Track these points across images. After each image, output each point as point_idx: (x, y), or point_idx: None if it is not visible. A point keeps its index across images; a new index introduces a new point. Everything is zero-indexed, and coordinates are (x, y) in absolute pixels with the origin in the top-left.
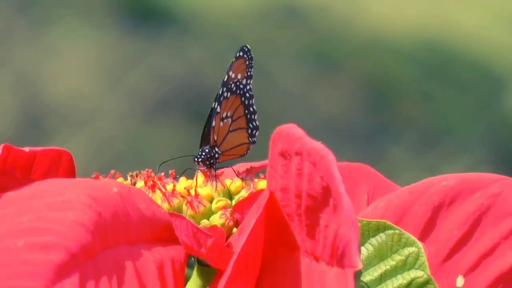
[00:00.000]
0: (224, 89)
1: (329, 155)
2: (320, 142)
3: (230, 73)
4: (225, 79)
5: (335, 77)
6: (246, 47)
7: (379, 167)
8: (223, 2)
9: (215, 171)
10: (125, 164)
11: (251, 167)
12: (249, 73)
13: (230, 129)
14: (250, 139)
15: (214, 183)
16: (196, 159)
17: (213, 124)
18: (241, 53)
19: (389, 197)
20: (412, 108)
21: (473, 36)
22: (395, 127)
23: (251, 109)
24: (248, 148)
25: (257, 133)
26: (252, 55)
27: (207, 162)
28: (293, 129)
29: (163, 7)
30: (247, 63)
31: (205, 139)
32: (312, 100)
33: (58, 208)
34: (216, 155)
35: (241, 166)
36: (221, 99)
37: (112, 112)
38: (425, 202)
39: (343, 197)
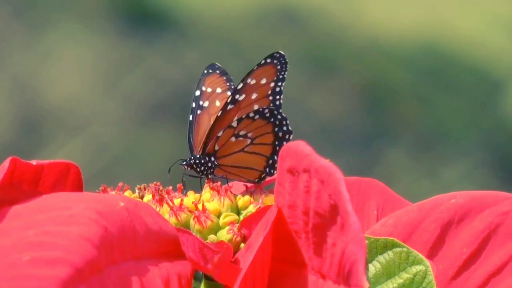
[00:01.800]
0: (236, 95)
1: (338, 173)
2: (328, 160)
3: (249, 80)
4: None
5: (333, 81)
6: (278, 53)
7: (377, 171)
8: (220, 6)
9: (209, 178)
10: (122, 168)
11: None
12: (281, 76)
13: (245, 149)
14: (266, 169)
15: (222, 198)
16: (182, 163)
17: (220, 134)
18: (268, 60)
19: (398, 214)
20: (409, 112)
21: (470, 41)
22: (392, 131)
23: (284, 143)
24: (261, 178)
25: None
26: (287, 60)
27: (197, 168)
28: (301, 146)
29: (160, 11)
30: (278, 67)
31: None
32: (310, 104)
33: (64, 222)
34: (209, 164)
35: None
36: (244, 116)
37: (109, 116)
38: (434, 220)
39: (350, 215)
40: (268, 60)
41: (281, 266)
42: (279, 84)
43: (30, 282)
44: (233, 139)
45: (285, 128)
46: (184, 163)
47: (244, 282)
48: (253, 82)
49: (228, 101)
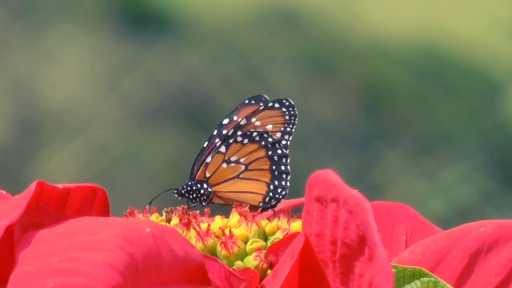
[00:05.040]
0: (239, 132)
1: (366, 203)
2: (357, 190)
3: (253, 119)
4: (241, 122)
5: (331, 82)
6: (288, 101)
7: (376, 173)
8: (219, 8)
9: (201, 206)
10: (121, 170)
11: (287, 206)
12: (288, 129)
13: (241, 176)
14: (269, 194)
15: (249, 223)
16: (174, 192)
17: (208, 160)
18: (276, 104)
19: (427, 241)
20: (408, 114)
21: (468, 42)
22: (391, 133)
23: (282, 167)
24: (265, 202)
25: (283, 193)
26: (297, 112)
27: (189, 196)
28: (329, 175)
29: (159, 13)
30: (287, 118)
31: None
32: (308, 105)
33: (89, 248)
34: (202, 191)
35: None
36: (231, 141)
37: (108, 118)
38: (463, 248)
39: (378, 247)
40: (277, 105)
41: None
42: (286, 137)
43: None
44: (224, 165)
45: (279, 150)
46: (175, 192)
47: None
48: (258, 123)
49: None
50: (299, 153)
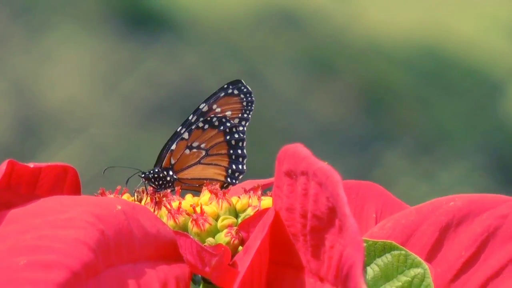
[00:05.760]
0: (201, 119)
1: (336, 175)
2: (326, 163)
3: (214, 106)
4: (203, 109)
5: (331, 83)
6: (244, 86)
7: (375, 173)
8: (219, 8)
9: (163, 193)
10: (120, 171)
11: (257, 184)
12: (245, 115)
13: (202, 161)
14: (227, 179)
15: (220, 201)
16: (141, 175)
17: (173, 147)
18: (235, 91)
19: (397, 216)
20: (408, 114)
21: (468, 43)
22: (391, 133)
23: (239, 151)
24: (223, 187)
25: (240, 176)
26: (254, 98)
27: (155, 182)
28: (299, 149)
29: (158, 13)
30: (244, 104)
31: (159, 159)
32: (308, 106)
33: (61, 226)
34: (168, 178)
35: (249, 183)
36: (193, 127)
37: (107, 118)
38: (433, 223)
39: (348, 218)
40: (235, 92)
41: (279, 268)
42: (243, 123)
43: (27, 286)
44: (187, 151)
45: (236, 135)
46: (143, 175)
47: (242, 284)
48: (219, 110)
49: (191, 120)
50: None
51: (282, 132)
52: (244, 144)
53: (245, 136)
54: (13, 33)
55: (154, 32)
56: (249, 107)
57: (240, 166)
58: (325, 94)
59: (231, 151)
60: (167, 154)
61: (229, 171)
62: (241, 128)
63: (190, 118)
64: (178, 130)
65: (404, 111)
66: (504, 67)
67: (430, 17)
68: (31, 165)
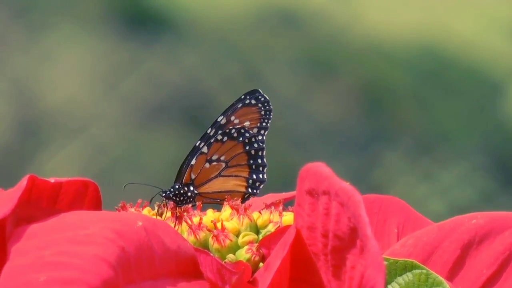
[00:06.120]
0: (219, 131)
1: (357, 196)
2: (348, 183)
3: (233, 117)
4: (221, 121)
5: (331, 83)
6: (261, 95)
7: (375, 173)
8: (219, 9)
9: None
10: (121, 171)
11: (279, 199)
12: (264, 124)
13: (222, 174)
14: (248, 189)
15: (241, 216)
16: (162, 194)
17: (193, 162)
18: (253, 101)
19: (418, 234)
20: (408, 114)
21: (468, 43)
22: (391, 133)
23: (259, 160)
24: (245, 198)
25: (261, 186)
26: (272, 107)
27: (176, 199)
28: (321, 168)
29: (159, 13)
30: (263, 113)
31: (179, 174)
32: (308, 106)
33: (81, 242)
34: (189, 193)
35: (270, 197)
36: (212, 141)
37: (107, 119)
38: (455, 240)
39: (370, 239)
40: (253, 102)
41: (299, 286)
42: (262, 132)
43: None
44: (207, 165)
45: (256, 145)
46: (164, 195)
47: None
48: (237, 121)
49: (210, 133)
50: (299, 154)
51: (282, 132)
52: (264, 153)
53: (264, 145)
54: (13, 33)
55: (155, 32)
56: (267, 116)
57: (260, 176)
58: (325, 94)
59: (251, 161)
60: (187, 170)
61: (250, 181)
62: (260, 138)
63: (208, 131)
64: (197, 144)
65: (404, 111)
66: (504, 67)
67: (430, 17)
68: (52, 180)
